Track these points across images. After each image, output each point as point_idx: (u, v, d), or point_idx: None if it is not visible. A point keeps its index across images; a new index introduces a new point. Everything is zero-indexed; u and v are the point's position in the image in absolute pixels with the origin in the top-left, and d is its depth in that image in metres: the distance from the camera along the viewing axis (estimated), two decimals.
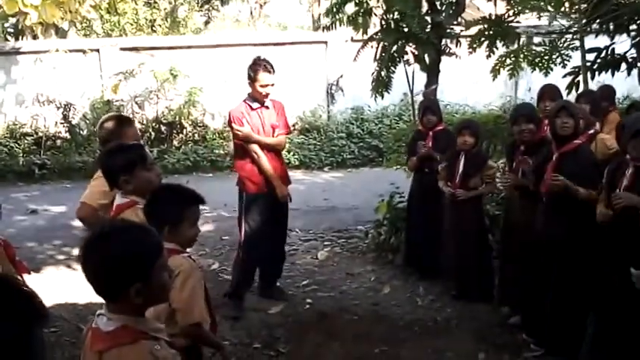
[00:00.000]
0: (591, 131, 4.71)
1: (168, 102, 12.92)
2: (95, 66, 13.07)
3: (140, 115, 12.88)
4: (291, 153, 12.58)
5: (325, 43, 13.36)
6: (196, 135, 13.11)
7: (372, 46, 6.65)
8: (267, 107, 5.15)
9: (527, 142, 4.60)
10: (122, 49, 13.18)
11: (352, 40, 11.25)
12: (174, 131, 13.09)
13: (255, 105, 5.11)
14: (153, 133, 12.93)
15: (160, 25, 18.33)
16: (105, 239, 1.96)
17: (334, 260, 6.63)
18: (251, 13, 25.12)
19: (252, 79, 5.02)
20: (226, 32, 23.41)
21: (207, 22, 22.52)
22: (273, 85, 5.06)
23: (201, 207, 2.96)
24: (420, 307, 5.31)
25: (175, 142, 13.03)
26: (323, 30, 6.59)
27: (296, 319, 5.14)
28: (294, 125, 13.44)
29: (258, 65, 5.00)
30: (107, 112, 10.99)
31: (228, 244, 7.37)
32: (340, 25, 6.42)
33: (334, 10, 6.45)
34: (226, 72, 12.93)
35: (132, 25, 17.50)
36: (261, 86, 4.99)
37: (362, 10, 6.42)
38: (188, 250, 2.85)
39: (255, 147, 5.05)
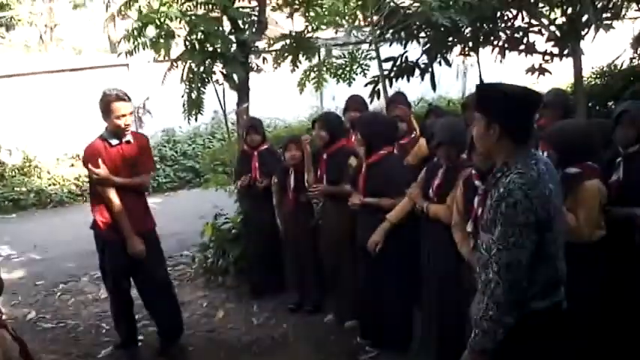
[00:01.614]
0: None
1: None
2: None
3: None
4: None
5: (127, 65, 12.91)
6: None
7: (176, 67, 6.53)
8: (128, 142, 4.56)
9: (327, 149, 4.90)
10: None
11: (155, 61, 11.03)
12: None
13: (114, 141, 4.49)
14: None
15: None
16: None
17: None
18: (41, 37, 23.59)
19: (106, 112, 4.42)
20: (16, 60, 21.74)
21: None
22: (131, 113, 4.51)
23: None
24: (256, 326, 5.30)
25: None
26: (126, 55, 6.33)
27: (127, 358, 4.87)
28: None
29: (109, 96, 4.43)
30: None
31: (44, 289, 6.84)
32: (144, 49, 6.21)
33: (134, 34, 6.23)
34: (21, 103, 12.05)
35: None
36: (118, 117, 4.40)
37: (163, 33, 6.28)
38: None
39: (110, 192, 4.42)
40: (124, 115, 4.42)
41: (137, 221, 4.57)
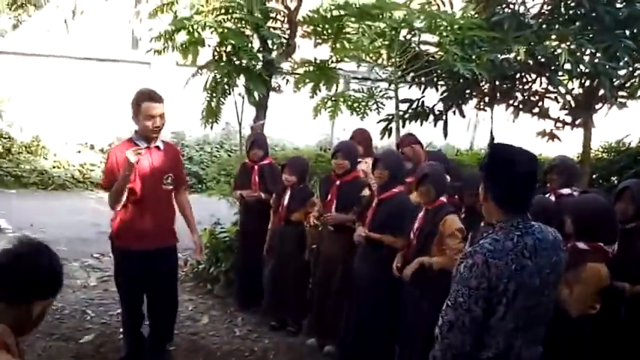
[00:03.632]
0: None
1: None
2: None
3: None
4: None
5: (149, 64, 13.11)
6: (0, 147, 12.13)
7: (201, 74, 6.70)
8: (157, 148, 4.37)
9: (341, 178, 4.95)
10: None
11: (177, 64, 11.22)
12: None
13: (143, 144, 4.26)
14: None
15: None
16: (38, 251, 2.10)
17: None
18: (65, 21, 23.78)
19: (135, 112, 4.23)
20: (39, 41, 21.93)
21: (15, 26, 20.96)
22: (162, 116, 4.25)
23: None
24: (237, 337, 5.38)
25: None
26: (155, 54, 6.50)
27: (109, 349, 4.96)
28: (110, 145, 12.98)
29: (141, 94, 4.25)
30: None
31: None
32: (172, 51, 6.40)
33: (166, 36, 6.42)
34: (38, 83, 12.25)
35: None
36: (146, 118, 4.19)
37: (193, 40, 6.46)
38: None
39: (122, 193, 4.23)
40: (153, 117, 4.21)
41: (163, 236, 4.49)
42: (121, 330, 5.16)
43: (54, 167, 12.16)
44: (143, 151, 4.18)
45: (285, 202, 5.45)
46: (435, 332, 2.34)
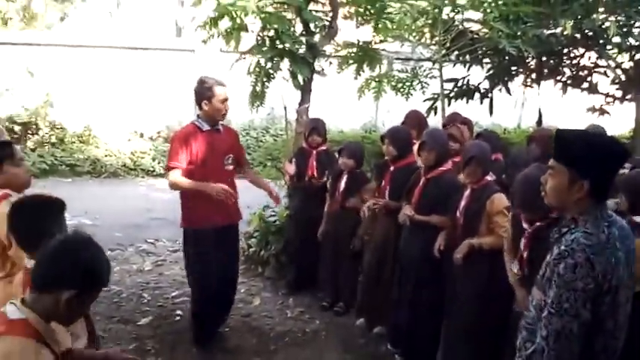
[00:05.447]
0: None
1: (24, 101, 12.22)
2: None
3: None
4: (156, 161, 12.39)
5: (193, 51, 13.29)
6: (53, 137, 12.47)
7: (244, 58, 6.76)
8: (217, 130, 4.66)
9: (395, 163, 4.91)
10: None
11: (221, 50, 11.33)
12: (29, 132, 12.39)
13: (206, 127, 4.58)
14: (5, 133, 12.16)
15: (10, 19, 17.23)
16: (82, 241, 2.14)
17: None
18: (110, 12, 24.17)
19: (208, 97, 4.51)
20: (86, 31, 22.37)
21: (62, 19, 21.44)
22: (228, 99, 4.61)
23: None
24: (289, 318, 5.48)
25: (30, 144, 12.30)
26: (204, 42, 6.59)
27: (166, 331, 5.13)
28: (158, 133, 13.26)
29: (211, 80, 4.57)
30: None
31: None
32: (217, 38, 6.48)
33: (210, 23, 6.49)
34: (86, 73, 12.55)
35: None
36: (221, 101, 4.52)
37: (236, 26, 6.52)
38: None
39: (177, 177, 4.50)
40: (226, 100, 4.55)
41: (230, 213, 4.69)
42: (177, 312, 5.44)
43: (105, 156, 12.48)
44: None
45: (342, 187, 5.49)
46: (537, 343, 2.18)
